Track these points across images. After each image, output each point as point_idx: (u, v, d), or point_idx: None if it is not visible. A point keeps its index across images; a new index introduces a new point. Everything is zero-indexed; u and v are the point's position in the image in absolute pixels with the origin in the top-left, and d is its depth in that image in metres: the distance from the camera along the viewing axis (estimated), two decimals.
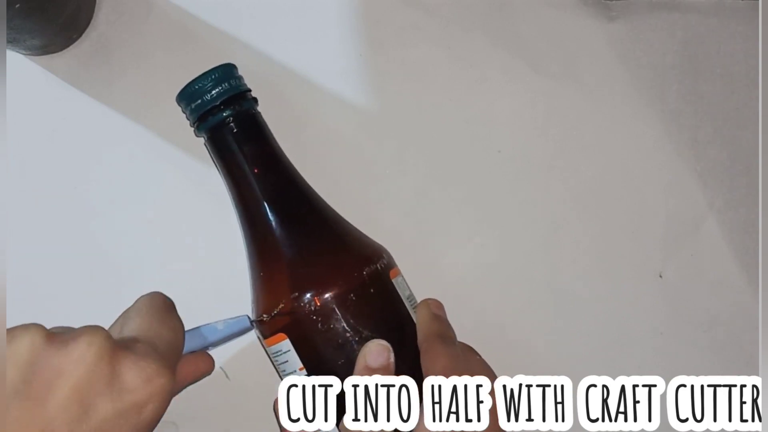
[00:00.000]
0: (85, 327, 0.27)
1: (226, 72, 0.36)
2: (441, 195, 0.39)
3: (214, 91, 0.35)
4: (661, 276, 0.42)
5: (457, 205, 0.38)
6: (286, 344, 0.33)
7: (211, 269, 0.40)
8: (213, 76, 0.35)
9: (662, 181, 0.43)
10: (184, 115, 0.37)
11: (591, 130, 0.43)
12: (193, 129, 0.37)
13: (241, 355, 0.40)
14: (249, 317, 0.35)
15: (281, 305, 0.33)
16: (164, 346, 0.30)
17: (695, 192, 0.42)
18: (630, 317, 0.42)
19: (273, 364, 0.35)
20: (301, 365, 0.33)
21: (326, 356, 0.32)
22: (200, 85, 0.35)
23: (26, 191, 0.40)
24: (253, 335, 0.36)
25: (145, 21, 0.41)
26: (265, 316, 0.33)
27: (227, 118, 0.35)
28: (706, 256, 0.42)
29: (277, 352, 0.33)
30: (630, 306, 0.42)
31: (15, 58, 0.40)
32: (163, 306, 0.32)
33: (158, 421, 0.29)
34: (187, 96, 0.36)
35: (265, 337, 0.34)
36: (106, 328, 0.30)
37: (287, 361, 0.33)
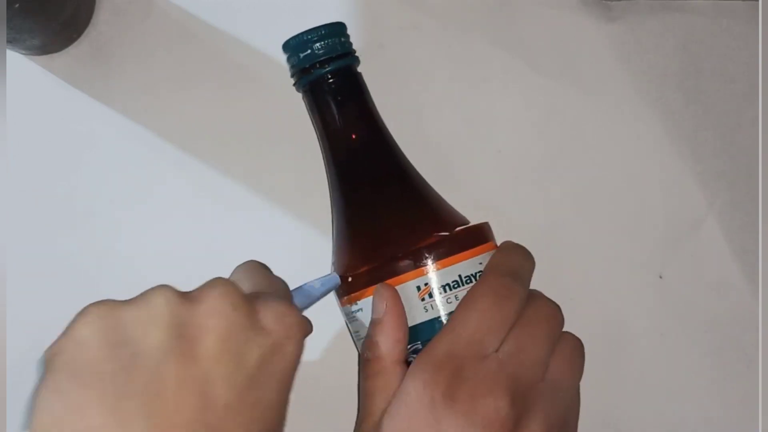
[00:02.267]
0: (213, 280, 0.27)
1: (335, 30, 0.36)
2: (440, 195, 0.39)
3: (319, 46, 0.35)
4: (661, 277, 0.42)
5: (457, 205, 0.38)
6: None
7: (212, 269, 0.40)
8: (322, 32, 0.36)
9: (662, 181, 0.43)
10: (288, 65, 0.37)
11: (591, 130, 0.43)
12: (293, 81, 0.37)
13: None
14: (336, 273, 0.35)
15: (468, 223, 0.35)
16: (283, 295, 0.30)
17: (695, 192, 0.42)
18: (630, 318, 0.42)
19: (454, 284, 0.33)
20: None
21: None
22: (308, 37, 0.35)
23: (26, 191, 0.40)
24: None
25: (145, 21, 0.41)
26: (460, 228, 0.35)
27: (326, 75, 0.36)
28: (706, 256, 0.42)
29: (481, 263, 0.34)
30: (630, 306, 0.42)
31: (15, 58, 0.40)
32: (263, 267, 0.33)
33: (299, 363, 0.28)
34: (292, 47, 0.36)
35: (459, 251, 0.33)
36: None
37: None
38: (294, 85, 0.38)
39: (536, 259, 0.41)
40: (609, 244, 0.42)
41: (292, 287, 0.35)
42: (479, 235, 0.35)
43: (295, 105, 0.41)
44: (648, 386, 0.41)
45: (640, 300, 0.42)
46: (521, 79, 0.42)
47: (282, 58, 0.42)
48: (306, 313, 0.33)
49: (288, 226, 0.40)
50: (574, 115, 0.43)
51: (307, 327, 0.28)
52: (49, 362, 0.24)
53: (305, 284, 0.34)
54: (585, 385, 0.41)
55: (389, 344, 0.31)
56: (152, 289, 0.26)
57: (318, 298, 0.35)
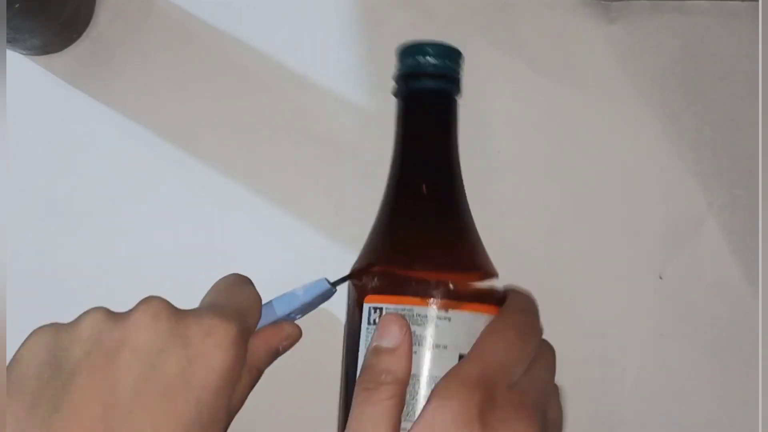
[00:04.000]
0: (144, 299, 0.28)
1: (457, 55, 0.37)
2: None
3: (438, 62, 0.36)
4: (660, 277, 0.42)
5: None
6: None
7: (211, 269, 0.40)
8: (445, 50, 0.36)
9: (662, 181, 0.43)
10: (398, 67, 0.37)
11: (591, 130, 0.43)
12: (395, 84, 0.37)
13: None
14: (327, 280, 0.35)
15: None
16: (232, 307, 0.30)
17: (695, 193, 0.42)
18: (629, 318, 0.42)
19: None
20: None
21: None
22: (432, 50, 0.36)
23: (26, 191, 0.40)
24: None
25: (145, 21, 0.41)
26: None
27: (433, 90, 0.36)
28: (705, 257, 0.42)
29: None
30: (629, 307, 0.42)
31: (15, 58, 0.40)
32: (234, 281, 0.33)
33: (235, 375, 0.28)
34: (408, 52, 0.36)
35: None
36: None
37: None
38: (396, 86, 0.37)
39: (536, 260, 0.42)
40: (609, 244, 0.42)
41: (288, 288, 0.35)
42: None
43: (296, 105, 0.41)
44: (648, 386, 0.41)
45: (640, 300, 0.42)
46: (521, 80, 0.42)
47: (281, 58, 0.42)
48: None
49: (288, 226, 0.40)
50: (573, 116, 0.43)
51: (233, 338, 0.28)
52: None
53: (288, 292, 0.34)
54: (585, 384, 0.41)
55: (406, 370, 0.31)
56: (86, 311, 0.28)
57: (303, 307, 0.34)
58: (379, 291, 0.34)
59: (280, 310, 0.34)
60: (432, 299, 0.32)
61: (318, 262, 0.39)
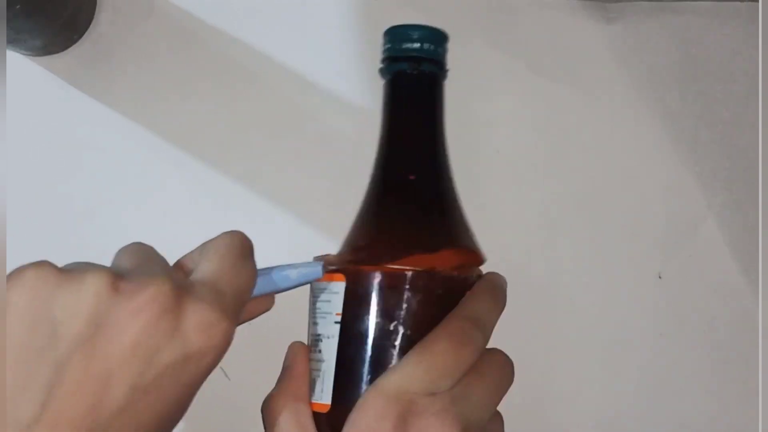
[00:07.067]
0: (153, 276, 0.26)
1: (440, 37, 0.36)
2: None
3: (419, 45, 0.36)
4: (660, 277, 0.42)
5: None
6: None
7: None
8: (426, 32, 0.36)
9: (662, 181, 0.43)
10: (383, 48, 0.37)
11: (590, 130, 0.43)
12: (380, 66, 0.37)
13: (241, 355, 0.40)
14: (323, 266, 0.33)
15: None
16: (232, 294, 0.29)
17: (695, 193, 0.42)
18: (629, 318, 0.42)
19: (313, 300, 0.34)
20: (339, 311, 0.33)
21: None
22: (414, 33, 0.36)
23: (26, 191, 0.40)
24: None
25: (145, 21, 0.41)
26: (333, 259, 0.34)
27: (414, 71, 0.36)
28: (705, 257, 0.42)
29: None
30: (629, 307, 0.42)
31: (15, 59, 0.40)
32: (241, 249, 0.31)
33: (214, 367, 0.28)
34: (394, 35, 0.36)
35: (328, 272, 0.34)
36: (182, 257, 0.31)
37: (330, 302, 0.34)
38: (380, 70, 0.37)
39: (536, 259, 0.42)
40: (609, 244, 0.42)
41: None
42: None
43: (296, 105, 0.42)
44: (647, 386, 0.41)
45: (640, 300, 0.42)
46: (520, 80, 0.42)
47: (281, 58, 0.42)
48: None
49: (288, 226, 0.41)
50: (572, 116, 0.43)
51: (229, 337, 0.28)
52: None
53: (281, 270, 0.33)
54: (585, 384, 0.41)
55: (306, 387, 0.33)
56: (91, 270, 0.26)
57: (287, 289, 0.33)
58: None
59: (268, 289, 0.33)
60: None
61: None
